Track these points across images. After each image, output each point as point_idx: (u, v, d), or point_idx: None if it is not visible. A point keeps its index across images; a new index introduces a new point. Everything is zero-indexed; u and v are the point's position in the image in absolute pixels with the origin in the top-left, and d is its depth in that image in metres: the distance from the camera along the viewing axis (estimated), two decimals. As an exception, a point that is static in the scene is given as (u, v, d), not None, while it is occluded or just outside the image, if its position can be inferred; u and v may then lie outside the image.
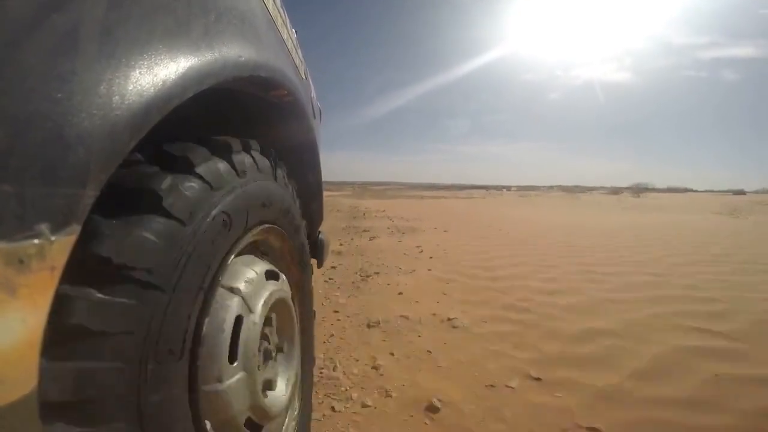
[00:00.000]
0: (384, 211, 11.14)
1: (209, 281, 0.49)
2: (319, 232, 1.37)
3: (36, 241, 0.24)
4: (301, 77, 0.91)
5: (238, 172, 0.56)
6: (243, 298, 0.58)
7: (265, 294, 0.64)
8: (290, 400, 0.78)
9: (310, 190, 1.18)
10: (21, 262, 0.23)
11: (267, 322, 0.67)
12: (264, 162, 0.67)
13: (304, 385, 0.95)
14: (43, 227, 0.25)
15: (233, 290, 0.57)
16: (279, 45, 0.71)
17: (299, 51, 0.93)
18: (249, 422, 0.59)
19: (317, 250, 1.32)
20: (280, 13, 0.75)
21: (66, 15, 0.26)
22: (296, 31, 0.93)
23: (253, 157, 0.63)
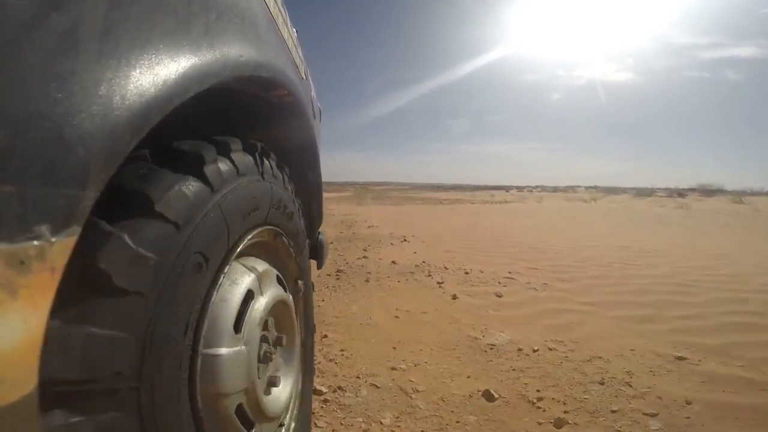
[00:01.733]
0: (405, 239, 5.46)
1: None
2: (319, 233, 1.37)
3: (36, 242, 0.24)
4: (301, 77, 0.91)
5: (239, 171, 0.55)
6: (239, 391, 0.54)
7: (254, 354, 0.58)
8: (290, 397, 0.78)
9: (310, 190, 1.18)
10: (22, 263, 0.23)
11: (265, 326, 0.66)
12: (262, 162, 0.67)
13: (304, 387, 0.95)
14: (44, 228, 0.24)
15: (220, 396, 0.51)
16: (279, 44, 0.71)
17: (299, 50, 0.92)
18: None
19: (317, 251, 1.31)
20: (280, 12, 0.74)
21: (66, 14, 0.26)
22: (296, 31, 0.93)
23: (253, 157, 0.62)
